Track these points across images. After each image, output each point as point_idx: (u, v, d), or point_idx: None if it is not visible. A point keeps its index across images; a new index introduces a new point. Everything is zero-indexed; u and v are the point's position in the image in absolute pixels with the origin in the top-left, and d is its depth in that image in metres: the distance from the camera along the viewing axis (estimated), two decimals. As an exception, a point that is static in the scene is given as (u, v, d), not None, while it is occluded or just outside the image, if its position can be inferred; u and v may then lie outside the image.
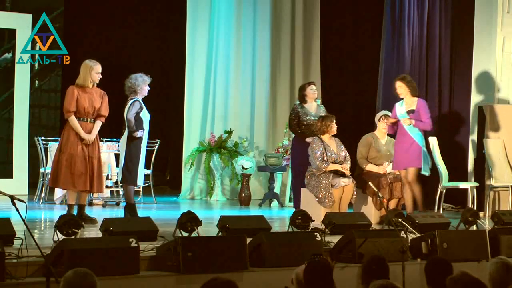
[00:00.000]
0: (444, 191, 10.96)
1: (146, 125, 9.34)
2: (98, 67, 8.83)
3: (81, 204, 8.80)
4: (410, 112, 9.49)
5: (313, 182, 9.55)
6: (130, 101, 9.31)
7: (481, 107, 11.74)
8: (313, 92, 10.25)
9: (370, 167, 9.84)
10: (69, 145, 8.60)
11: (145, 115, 9.37)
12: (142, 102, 9.40)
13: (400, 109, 9.63)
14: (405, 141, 9.47)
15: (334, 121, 9.73)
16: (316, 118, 10.03)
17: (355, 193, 9.56)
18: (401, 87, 9.58)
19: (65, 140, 8.65)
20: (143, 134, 9.24)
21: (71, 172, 8.56)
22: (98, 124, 8.82)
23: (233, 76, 13.30)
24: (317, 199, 9.47)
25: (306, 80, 13.42)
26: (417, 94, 9.72)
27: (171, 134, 14.34)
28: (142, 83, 9.40)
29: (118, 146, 10.93)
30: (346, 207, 9.54)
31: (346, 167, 9.56)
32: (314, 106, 10.27)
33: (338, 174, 9.53)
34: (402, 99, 9.70)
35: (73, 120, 8.64)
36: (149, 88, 9.41)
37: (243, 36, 13.33)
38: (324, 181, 9.44)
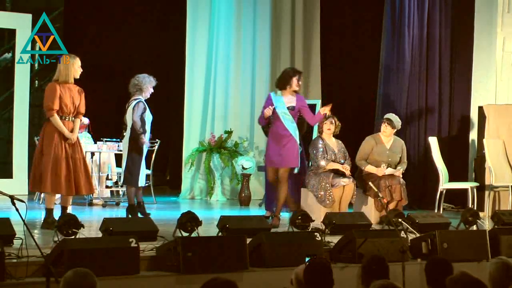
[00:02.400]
0: (444, 191, 10.97)
1: (148, 126, 9.35)
2: (79, 61, 8.40)
3: (65, 206, 8.42)
4: (290, 108, 8.99)
5: (313, 181, 9.56)
6: (134, 102, 9.29)
7: (481, 107, 11.74)
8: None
9: (368, 169, 9.80)
10: (53, 147, 8.16)
11: (148, 117, 9.41)
12: (145, 103, 9.43)
13: (277, 100, 9.03)
14: (283, 138, 8.96)
15: (332, 119, 9.71)
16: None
17: (355, 193, 9.56)
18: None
19: (47, 141, 8.20)
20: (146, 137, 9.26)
21: (57, 175, 8.13)
22: (78, 122, 8.38)
23: (233, 76, 13.29)
24: (317, 199, 9.48)
25: (306, 80, 13.45)
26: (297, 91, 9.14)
27: (171, 134, 14.34)
28: (148, 83, 9.46)
29: (119, 146, 10.97)
30: (346, 207, 9.53)
31: (346, 168, 9.56)
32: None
33: (339, 174, 9.53)
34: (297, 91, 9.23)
35: (56, 119, 8.18)
36: (152, 91, 9.47)
37: (243, 36, 13.32)
38: (324, 181, 9.45)
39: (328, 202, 9.39)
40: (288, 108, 8.98)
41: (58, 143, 8.19)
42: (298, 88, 9.14)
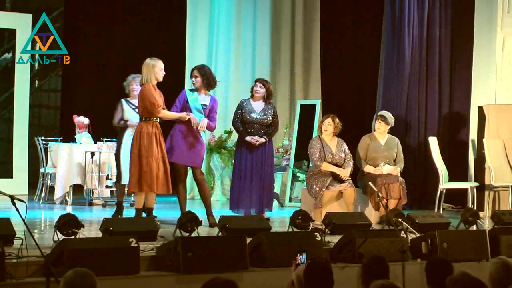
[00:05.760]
0: (444, 191, 10.97)
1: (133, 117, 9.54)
2: (160, 64, 8.61)
3: (150, 208, 8.60)
4: (203, 106, 9.00)
5: (311, 182, 9.56)
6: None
7: (481, 107, 11.74)
8: (256, 90, 9.61)
9: (367, 169, 9.82)
10: (151, 148, 8.30)
11: (129, 114, 9.59)
12: (126, 103, 9.63)
13: (192, 98, 9.06)
14: (192, 137, 8.90)
15: (330, 120, 9.71)
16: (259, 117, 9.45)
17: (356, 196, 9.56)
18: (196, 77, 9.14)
19: (145, 142, 8.31)
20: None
21: (152, 175, 8.29)
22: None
23: (233, 76, 13.28)
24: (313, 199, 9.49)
25: (306, 80, 13.44)
26: (210, 89, 9.19)
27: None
28: (128, 84, 9.66)
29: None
30: (352, 209, 9.49)
31: (345, 173, 9.51)
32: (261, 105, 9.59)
33: (337, 178, 9.52)
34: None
35: (165, 112, 8.50)
36: (134, 87, 9.59)
37: (243, 36, 13.32)
38: (322, 183, 9.42)
39: (319, 203, 9.37)
40: (202, 105, 8.99)
41: (153, 144, 8.34)
42: (193, 84, 9.16)
